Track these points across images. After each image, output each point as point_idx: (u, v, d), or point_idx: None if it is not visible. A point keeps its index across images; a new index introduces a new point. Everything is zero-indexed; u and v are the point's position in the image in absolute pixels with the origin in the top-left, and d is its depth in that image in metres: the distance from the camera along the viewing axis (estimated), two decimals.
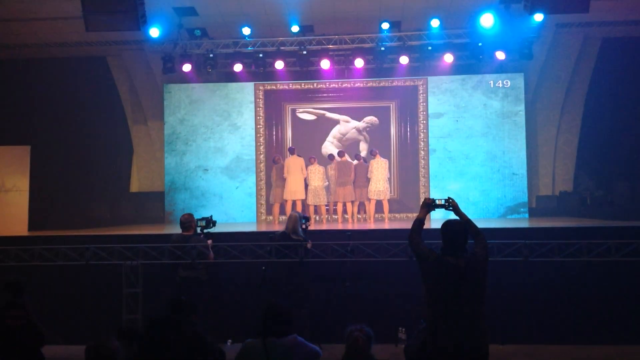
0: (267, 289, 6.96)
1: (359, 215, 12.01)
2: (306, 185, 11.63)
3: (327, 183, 12.07)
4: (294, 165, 11.56)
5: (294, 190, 11.49)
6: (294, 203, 11.56)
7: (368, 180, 11.49)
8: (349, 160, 12.06)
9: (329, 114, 13.61)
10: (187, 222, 6.87)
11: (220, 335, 7.27)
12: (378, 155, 11.57)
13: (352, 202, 11.65)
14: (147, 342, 4.05)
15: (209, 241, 6.78)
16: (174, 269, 6.81)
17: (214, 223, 6.96)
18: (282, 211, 11.96)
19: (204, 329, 4.61)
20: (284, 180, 11.63)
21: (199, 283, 6.69)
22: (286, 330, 3.72)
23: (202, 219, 6.86)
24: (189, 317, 4.65)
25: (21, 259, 6.84)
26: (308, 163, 11.73)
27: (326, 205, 12.01)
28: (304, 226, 6.92)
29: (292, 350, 3.63)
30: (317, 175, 11.62)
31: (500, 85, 13.04)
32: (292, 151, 11.90)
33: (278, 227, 9.43)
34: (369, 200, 11.59)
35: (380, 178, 11.41)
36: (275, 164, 11.94)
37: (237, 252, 6.68)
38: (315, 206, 11.74)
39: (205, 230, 6.83)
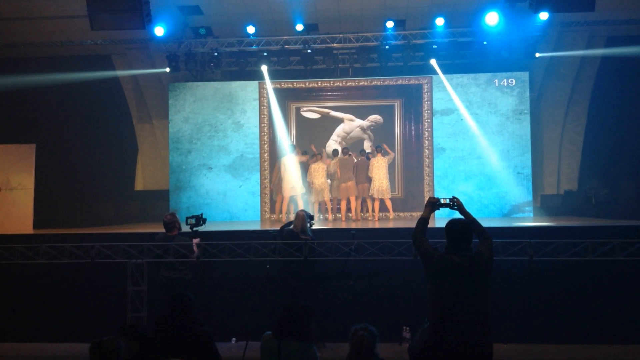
0: (271, 287, 6.97)
1: (361, 213, 12.01)
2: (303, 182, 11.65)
3: (329, 181, 12.04)
4: (289, 162, 11.55)
5: (292, 187, 11.46)
6: (294, 201, 11.52)
7: (369, 178, 11.47)
8: (351, 157, 12.00)
9: (333, 113, 13.60)
10: (171, 222, 6.79)
11: (222, 333, 7.30)
12: (379, 155, 11.58)
13: (356, 197, 11.63)
14: (154, 340, 4.07)
15: (196, 240, 6.71)
16: (158, 270, 6.74)
17: (204, 221, 6.88)
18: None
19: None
20: (281, 177, 11.66)
21: (184, 283, 6.59)
22: (304, 332, 3.65)
23: (192, 216, 6.78)
24: (190, 314, 4.67)
25: (27, 257, 6.86)
26: (312, 162, 11.76)
27: (331, 201, 11.99)
28: (309, 224, 6.92)
29: (302, 358, 3.55)
30: (320, 172, 11.59)
31: (505, 84, 13.00)
32: (291, 148, 11.85)
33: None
34: (372, 198, 11.57)
35: (382, 177, 11.38)
36: (278, 160, 11.98)
37: (241, 251, 6.67)
38: (319, 204, 11.71)
39: (194, 229, 6.77)
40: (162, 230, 6.85)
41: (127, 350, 3.88)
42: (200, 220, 6.82)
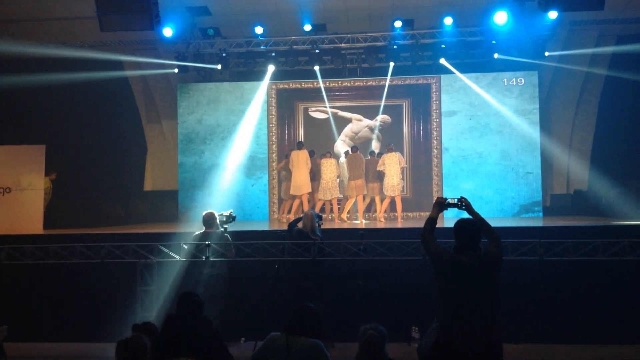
0: (280, 287, 6.98)
1: (368, 214, 11.92)
2: (313, 180, 11.59)
3: (339, 179, 11.93)
4: (297, 159, 11.43)
5: (298, 185, 11.32)
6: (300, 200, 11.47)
7: (379, 174, 11.35)
8: (361, 155, 11.85)
9: (341, 113, 13.60)
10: (210, 219, 6.96)
11: (231, 333, 7.32)
12: (390, 152, 11.39)
13: (364, 196, 11.53)
14: (164, 338, 4.08)
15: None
16: (197, 267, 6.82)
17: (234, 218, 7.02)
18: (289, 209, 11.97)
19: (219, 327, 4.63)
20: (290, 173, 11.61)
21: (223, 280, 6.79)
22: (312, 333, 3.70)
23: (221, 214, 6.94)
24: (200, 314, 4.67)
25: (37, 257, 6.90)
26: (322, 158, 11.66)
27: (338, 202, 11.84)
28: (317, 224, 6.92)
29: (310, 354, 3.59)
30: (329, 167, 11.44)
31: (514, 83, 12.95)
32: (299, 146, 11.76)
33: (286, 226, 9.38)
34: (382, 196, 11.44)
35: (394, 173, 11.22)
36: (286, 158, 11.96)
37: (250, 251, 6.69)
38: (324, 203, 11.62)
39: (224, 226, 6.87)
40: (174, 230, 6.90)
41: None
42: (229, 217, 6.93)
